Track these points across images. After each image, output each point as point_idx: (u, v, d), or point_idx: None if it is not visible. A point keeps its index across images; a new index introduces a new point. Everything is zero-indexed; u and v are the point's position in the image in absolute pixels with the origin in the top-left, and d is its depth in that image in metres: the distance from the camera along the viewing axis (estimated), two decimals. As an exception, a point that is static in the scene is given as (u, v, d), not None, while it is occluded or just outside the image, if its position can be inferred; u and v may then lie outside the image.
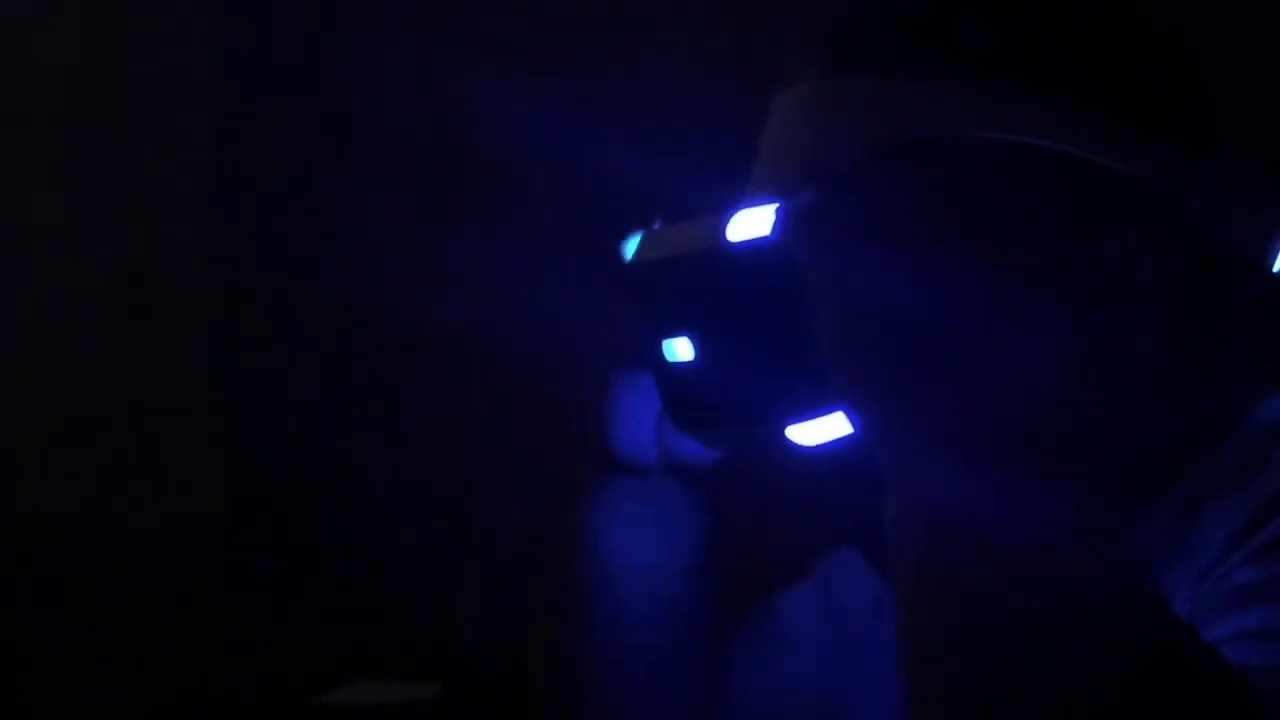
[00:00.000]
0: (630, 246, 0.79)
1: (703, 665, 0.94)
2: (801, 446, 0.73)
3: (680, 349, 0.75)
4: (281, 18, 2.82)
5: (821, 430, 0.72)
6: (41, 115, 2.52)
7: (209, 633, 2.65)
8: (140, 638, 2.53)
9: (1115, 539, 0.63)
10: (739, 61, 2.36)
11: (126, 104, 2.64)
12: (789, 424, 0.72)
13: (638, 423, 0.87)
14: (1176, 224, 0.74)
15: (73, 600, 2.45)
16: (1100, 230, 0.73)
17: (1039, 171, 0.72)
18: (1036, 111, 0.72)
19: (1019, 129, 0.71)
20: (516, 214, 2.62)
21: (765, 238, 0.71)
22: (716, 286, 0.74)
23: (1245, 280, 0.76)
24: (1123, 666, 0.58)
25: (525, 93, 2.54)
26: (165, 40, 2.71)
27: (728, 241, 0.72)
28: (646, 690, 0.92)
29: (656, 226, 0.79)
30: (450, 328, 2.70)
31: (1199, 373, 0.77)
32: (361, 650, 2.68)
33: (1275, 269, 0.76)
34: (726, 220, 0.73)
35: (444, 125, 2.73)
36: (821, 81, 0.77)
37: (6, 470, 2.42)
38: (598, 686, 0.91)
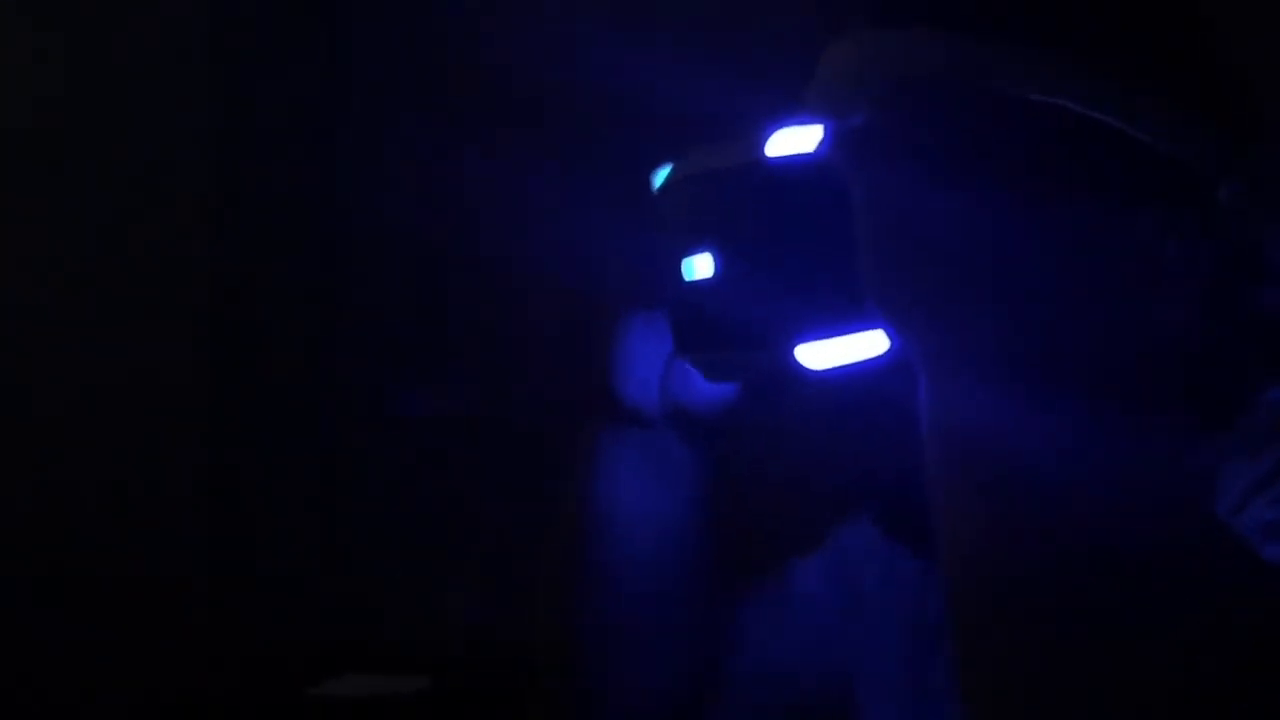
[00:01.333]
0: (659, 177, 0.79)
1: (707, 623, 0.95)
2: (811, 370, 0.72)
3: (700, 266, 0.75)
4: (280, 17, 2.83)
5: (833, 353, 0.71)
6: (40, 114, 2.54)
7: (203, 629, 2.67)
8: (137, 636, 2.55)
9: (1162, 475, 0.59)
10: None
11: (126, 104, 2.65)
12: (802, 342, 0.71)
13: (644, 369, 0.87)
14: (1204, 212, 0.75)
15: (71, 600, 2.47)
16: (1131, 204, 0.73)
17: (1072, 134, 0.73)
18: (1084, 79, 0.73)
19: (1064, 95, 0.72)
20: (523, 179, 2.59)
21: (810, 153, 0.70)
22: (750, 202, 0.73)
23: (1262, 280, 0.76)
24: (1200, 596, 0.55)
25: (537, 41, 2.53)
26: (164, 39, 2.72)
27: (769, 157, 0.72)
28: (649, 644, 0.92)
29: (687, 155, 0.78)
30: (455, 317, 2.72)
31: (1214, 356, 0.77)
32: (351, 644, 2.69)
33: None
34: (766, 137, 0.72)
35: (442, 114, 2.74)
36: (867, 32, 0.78)
37: (5, 470, 2.43)
38: (601, 639, 0.91)
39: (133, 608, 2.55)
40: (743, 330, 0.75)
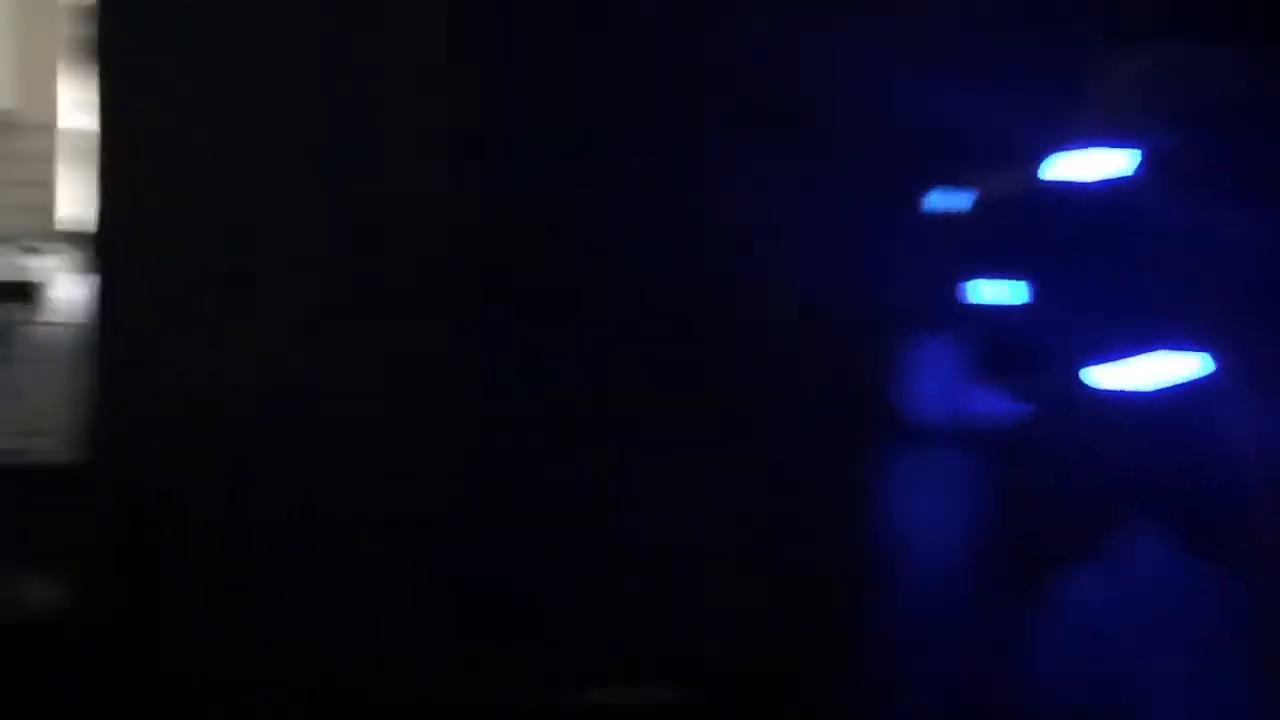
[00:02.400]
0: (946, 200, 0.88)
1: (988, 632, 1.02)
2: (1114, 391, 0.77)
3: (1005, 292, 0.83)
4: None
5: (1137, 374, 0.78)
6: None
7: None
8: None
9: None
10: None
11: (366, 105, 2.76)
12: (1107, 364, 0.77)
13: (930, 386, 1.03)
14: None
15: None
16: None
17: None
18: None
19: None
20: (790, 173, 2.50)
21: (1117, 179, 0.78)
22: (1056, 227, 0.83)
23: None
24: None
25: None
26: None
27: (1079, 183, 0.79)
28: (932, 651, 1.04)
29: (974, 177, 0.81)
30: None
31: None
32: (616, 653, 2.62)
33: None
34: (1064, 162, 0.78)
35: (701, 125, 2.68)
36: (1159, 47, 0.83)
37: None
38: (886, 646, 1.04)
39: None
40: (1048, 354, 0.84)
